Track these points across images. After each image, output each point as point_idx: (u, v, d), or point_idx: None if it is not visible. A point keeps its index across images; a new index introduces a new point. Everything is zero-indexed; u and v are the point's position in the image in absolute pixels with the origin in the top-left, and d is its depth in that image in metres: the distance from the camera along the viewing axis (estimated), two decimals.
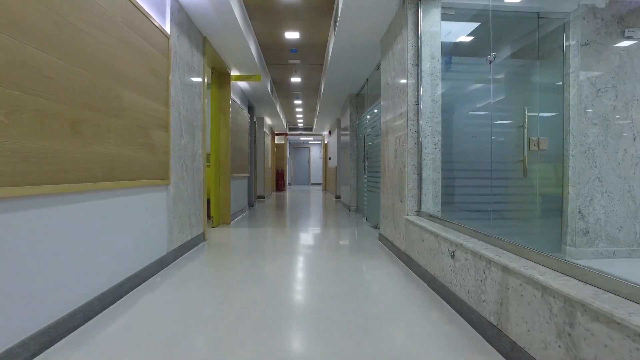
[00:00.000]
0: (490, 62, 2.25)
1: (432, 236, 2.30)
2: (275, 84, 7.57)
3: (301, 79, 7.19)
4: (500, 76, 3.14)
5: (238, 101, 6.04)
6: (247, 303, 2.06)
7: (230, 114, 5.11)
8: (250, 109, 7.76)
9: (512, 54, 3.23)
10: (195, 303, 2.05)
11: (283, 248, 3.56)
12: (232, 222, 5.28)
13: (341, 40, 3.96)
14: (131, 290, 2.22)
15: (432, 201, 2.92)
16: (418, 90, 2.92)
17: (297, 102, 9.55)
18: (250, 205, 7.75)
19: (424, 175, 2.90)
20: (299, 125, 14.26)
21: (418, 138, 2.91)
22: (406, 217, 2.91)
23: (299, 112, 11.27)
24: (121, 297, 2.11)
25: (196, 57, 3.56)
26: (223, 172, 5.07)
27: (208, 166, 5.71)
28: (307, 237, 4.19)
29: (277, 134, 13.25)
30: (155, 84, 2.59)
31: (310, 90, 8.35)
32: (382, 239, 3.76)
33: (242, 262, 2.99)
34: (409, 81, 2.94)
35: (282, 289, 2.30)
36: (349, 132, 6.85)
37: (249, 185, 7.71)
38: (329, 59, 4.73)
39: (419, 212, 2.92)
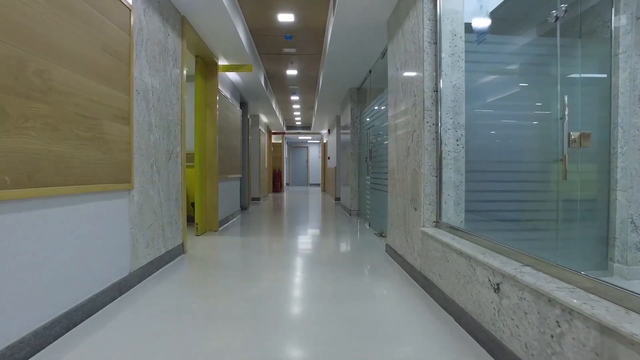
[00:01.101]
0: (557, 18, 1.72)
1: (462, 258, 1.78)
2: (269, 77, 7.04)
3: (298, 72, 6.66)
4: (530, 59, 2.63)
5: (228, 95, 5.51)
6: (215, 352, 1.53)
7: (218, 108, 4.58)
8: (243, 105, 7.23)
9: (547, 32, 2.71)
10: (147, 350, 1.52)
11: (275, 263, 3.03)
12: (220, 229, 4.75)
13: (341, 21, 3.43)
14: (66, 332, 1.69)
15: (453, 209, 2.40)
16: (437, 73, 2.40)
17: (294, 98, 9.02)
18: (243, 208, 7.22)
19: (444, 178, 2.38)
20: (297, 123, 13.73)
21: (437, 132, 2.39)
22: (422, 229, 2.38)
23: (296, 110, 10.74)
24: (48, 344, 1.58)
25: (172, 38, 3.03)
26: (209, 173, 4.54)
27: (192, 167, 5.19)
28: (304, 248, 3.66)
29: (274, 133, 12.73)
30: (110, 64, 2.06)
31: (307, 85, 7.82)
32: (390, 251, 3.23)
33: (221, 283, 2.46)
34: (425, 63, 2.41)
35: (267, 327, 1.77)
36: (349, 130, 6.34)
37: (242, 187, 7.18)
38: (328, 45, 4.21)
39: (438, 223, 2.39)
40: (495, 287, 1.46)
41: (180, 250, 3.24)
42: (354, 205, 6.24)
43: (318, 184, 19.03)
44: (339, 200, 9.14)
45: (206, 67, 4.48)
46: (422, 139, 2.43)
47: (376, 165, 4.64)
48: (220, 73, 4.97)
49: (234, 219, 5.75)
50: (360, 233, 4.54)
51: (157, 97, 2.73)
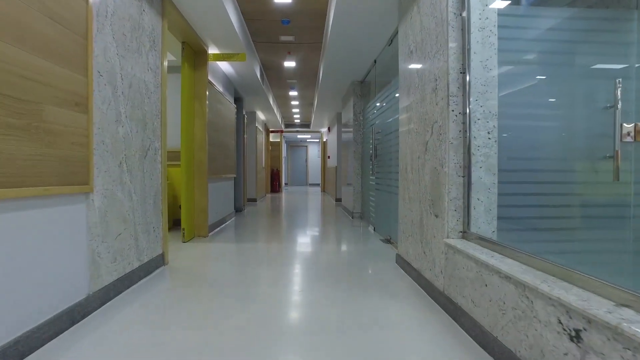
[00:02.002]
0: None
1: (510, 284, 1.35)
2: (266, 69, 6.61)
3: (296, 63, 6.23)
4: (567, 36, 2.20)
5: (221, 88, 5.08)
6: None
7: (209, 101, 4.15)
8: (239, 101, 6.80)
9: (592, 3, 2.28)
10: None
11: (269, 277, 2.60)
12: (210, 235, 4.31)
13: (346, 2, 3.01)
14: None
15: (484, 217, 1.97)
16: (464, 51, 1.97)
17: (293, 93, 8.59)
18: (238, 210, 6.79)
19: (473, 179, 1.95)
20: (296, 121, 13.31)
21: (465, 123, 1.96)
22: (447, 240, 1.95)
23: (295, 106, 10.31)
24: None
25: (149, 15, 2.59)
26: (198, 172, 4.11)
27: (177, 165, 4.77)
28: (303, 257, 3.23)
29: (272, 131, 12.31)
30: (58, 35, 1.63)
31: (306, 80, 7.39)
32: (402, 262, 2.81)
33: (204, 306, 2.03)
34: (450, 39, 1.99)
35: None
36: (351, 126, 5.91)
37: (237, 188, 6.75)
38: (329, 31, 3.78)
39: (465, 234, 1.97)
40: (573, 334, 1.03)
41: (159, 261, 2.81)
42: (356, 208, 5.81)
43: (317, 184, 18.61)
44: (340, 201, 8.72)
45: (194, 55, 4.04)
46: (446, 131, 2.00)
47: (382, 164, 4.22)
48: (211, 63, 4.54)
49: (227, 223, 5.32)
50: (365, 239, 4.11)
51: (128, 82, 2.29)
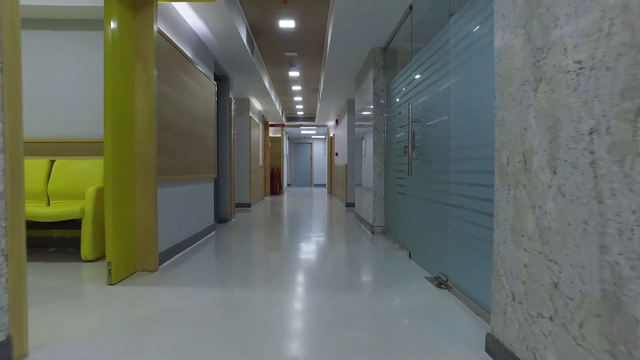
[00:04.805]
0: None
1: None
2: (256, 34, 5.11)
3: (296, 24, 4.72)
4: None
5: (190, 54, 3.61)
6: None
7: (166, 65, 2.68)
8: (223, 81, 5.32)
9: None
10: None
11: None
12: (163, 266, 2.84)
13: None
14: None
15: None
16: None
17: (293, 74, 7.10)
18: (222, 220, 5.32)
19: None
20: (299, 113, 11.84)
21: None
22: None
23: (297, 92, 8.83)
24: None
25: None
26: (141, 173, 2.64)
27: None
28: (302, 330, 1.74)
29: (272, 125, 10.84)
30: None
31: (310, 53, 5.90)
32: (506, 357, 1.30)
33: None
34: None
35: None
36: (371, 110, 4.42)
37: (221, 193, 5.29)
38: None
39: None
40: None
41: None
42: (378, 220, 4.31)
43: (324, 185, 17.13)
44: (352, 206, 7.24)
45: None
46: None
47: (427, 158, 2.72)
48: (171, 12, 3.06)
49: (199, 242, 3.85)
50: (401, 274, 2.60)
51: None
